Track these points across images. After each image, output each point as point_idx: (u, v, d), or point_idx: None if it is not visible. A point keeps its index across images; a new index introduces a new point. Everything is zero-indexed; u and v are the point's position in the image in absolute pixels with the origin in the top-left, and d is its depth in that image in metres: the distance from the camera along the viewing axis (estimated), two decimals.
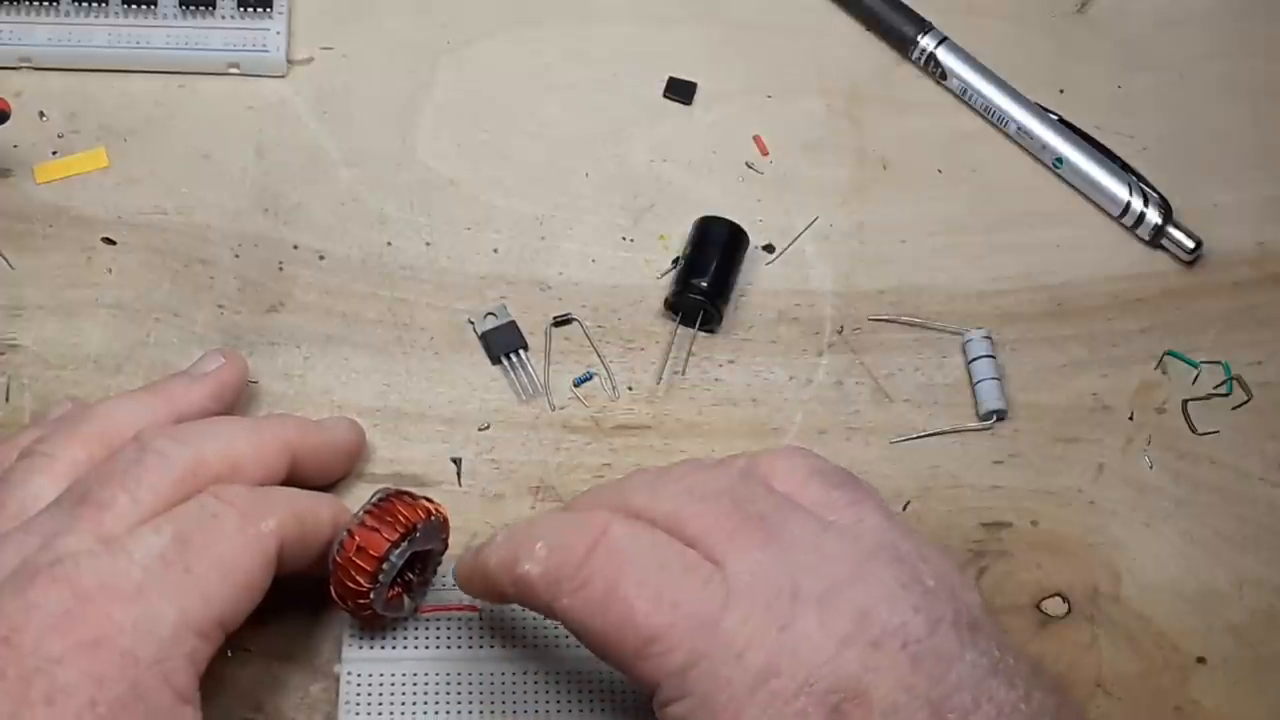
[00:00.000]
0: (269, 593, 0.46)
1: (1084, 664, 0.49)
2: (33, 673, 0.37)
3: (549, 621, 0.45)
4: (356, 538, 0.43)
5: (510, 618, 0.46)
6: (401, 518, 0.43)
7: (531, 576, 0.40)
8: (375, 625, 0.46)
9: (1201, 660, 0.49)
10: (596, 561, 0.39)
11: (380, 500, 0.44)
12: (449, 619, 0.46)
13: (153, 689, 0.38)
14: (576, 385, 0.52)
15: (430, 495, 0.45)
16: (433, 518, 0.44)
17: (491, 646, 0.46)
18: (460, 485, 0.50)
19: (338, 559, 0.43)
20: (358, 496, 0.48)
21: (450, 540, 0.46)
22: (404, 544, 0.43)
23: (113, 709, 0.37)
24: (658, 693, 0.39)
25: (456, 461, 0.51)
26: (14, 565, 0.39)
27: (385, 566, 0.43)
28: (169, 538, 0.40)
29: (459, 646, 0.46)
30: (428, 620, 0.46)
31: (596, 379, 0.52)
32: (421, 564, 0.45)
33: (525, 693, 0.45)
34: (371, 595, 0.43)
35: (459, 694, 0.45)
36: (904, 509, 0.51)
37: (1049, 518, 0.51)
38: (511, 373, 0.52)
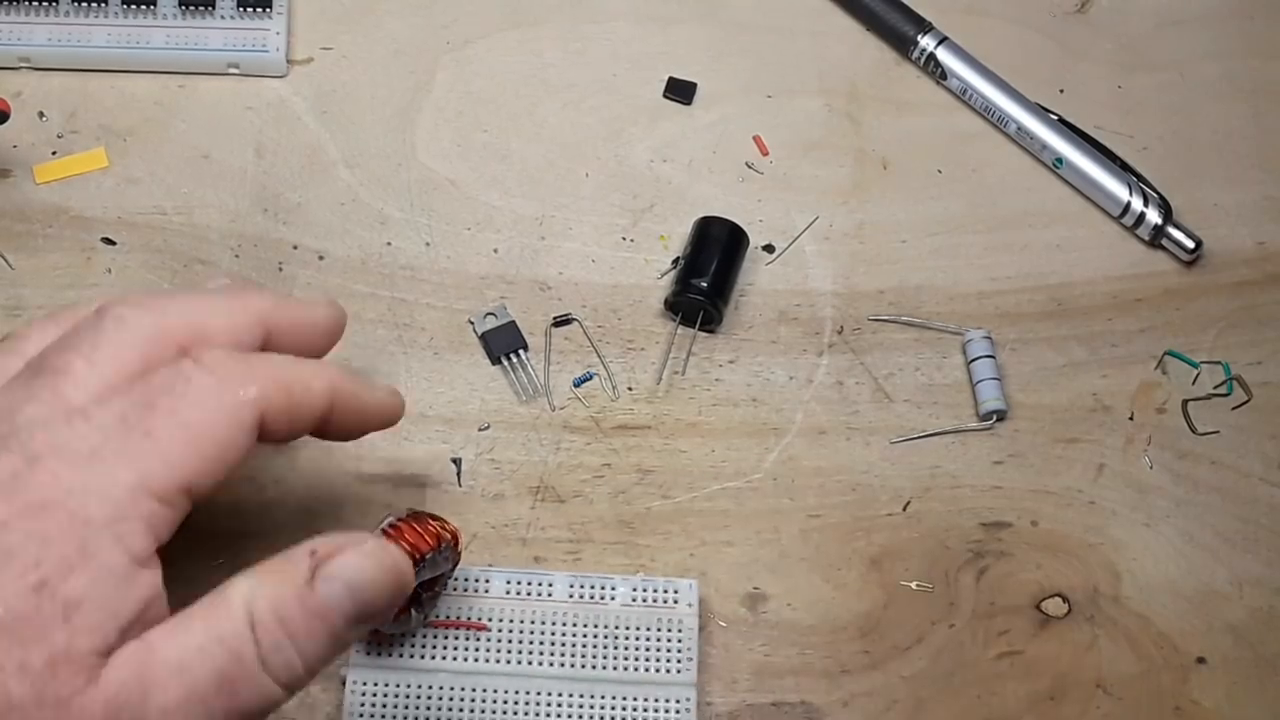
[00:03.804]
0: None
1: (1084, 664, 0.49)
2: None
3: (557, 641, 0.46)
4: None
5: (519, 636, 0.46)
6: (409, 546, 0.42)
7: None
8: (382, 637, 0.46)
9: (1201, 660, 0.49)
10: None
11: (390, 526, 0.43)
12: (457, 634, 0.46)
13: (104, 549, 0.36)
14: (576, 385, 0.52)
15: (431, 495, 0.44)
16: (443, 545, 0.43)
17: (499, 663, 0.46)
18: (460, 485, 0.50)
19: None
20: (359, 498, 0.48)
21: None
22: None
23: (59, 568, 0.35)
24: None
25: (456, 461, 0.51)
26: None
27: None
28: (131, 402, 0.38)
29: (466, 660, 0.46)
30: (436, 634, 0.46)
31: (596, 379, 0.52)
32: (431, 581, 0.45)
33: (530, 713, 0.45)
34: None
35: (463, 710, 0.45)
36: (904, 509, 0.51)
37: (1049, 518, 0.51)
38: (511, 373, 0.52)
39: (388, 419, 0.44)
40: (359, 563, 0.38)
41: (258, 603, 0.37)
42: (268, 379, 0.40)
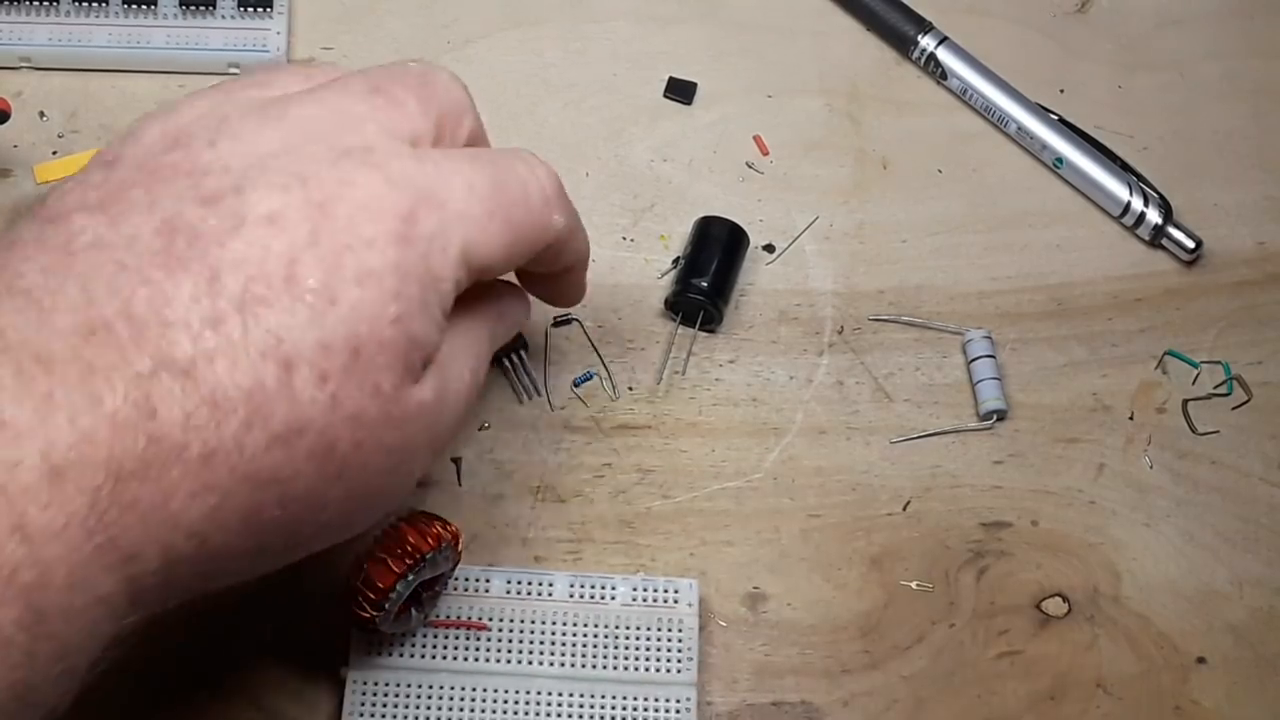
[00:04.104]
0: (270, 591, 0.46)
1: (1084, 664, 0.49)
2: (344, 248, 0.36)
3: (557, 641, 0.46)
4: (365, 567, 0.43)
5: (519, 636, 0.46)
6: (409, 547, 0.43)
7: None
8: (382, 637, 0.46)
9: (1201, 660, 0.49)
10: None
11: (391, 526, 0.43)
12: (458, 633, 0.46)
13: (435, 301, 0.37)
14: (576, 385, 0.52)
15: (431, 495, 0.45)
16: (443, 545, 0.44)
17: (499, 663, 0.46)
18: (460, 485, 0.50)
19: (346, 581, 0.43)
20: None
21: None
22: (411, 576, 0.43)
23: (409, 308, 0.36)
24: None
25: (456, 461, 0.51)
26: (310, 131, 0.37)
27: (392, 596, 0.43)
28: (486, 173, 0.39)
29: (466, 660, 0.46)
30: (437, 633, 0.46)
31: (596, 379, 0.52)
32: (431, 580, 0.45)
33: (530, 712, 0.46)
34: (377, 621, 0.43)
35: (463, 709, 0.45)
36: (904, 509, 0.51)
37: (1049, 518, 0.51)
38: (511, 373, 0.52)
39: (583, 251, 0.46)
40: (522, 308, 0.46)
41: (481, 360, 0.42)
42: (573, 218, 0.43)
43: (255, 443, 0.34)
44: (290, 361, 0.34)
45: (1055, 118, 0.57)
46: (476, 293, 0.41)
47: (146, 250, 0.34)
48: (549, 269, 0.45)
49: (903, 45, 0.59)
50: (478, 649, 0.46)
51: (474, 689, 0.46)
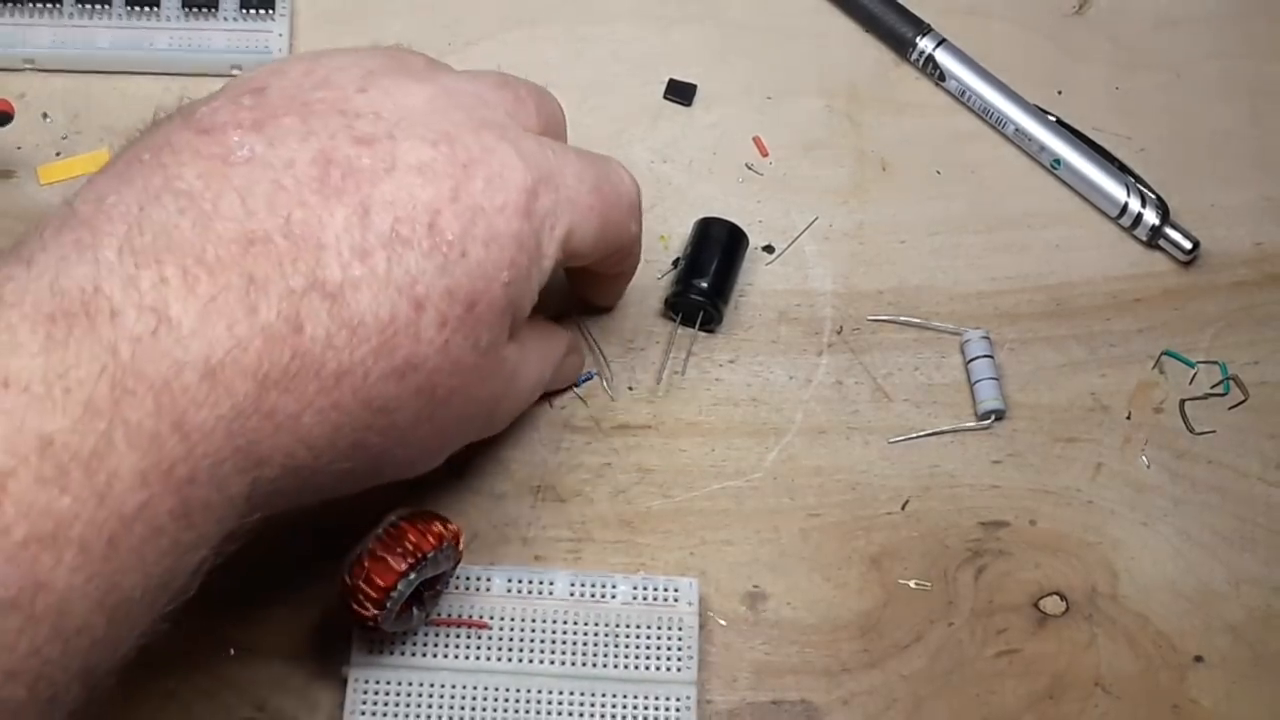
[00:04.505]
0: (269, 591, 0.46)
1: (1082, 663, 0.49)
2: (479, 210, 0.39)
3: (558, 640, 0.46)
4: (366, 565, 0.43)
5: (520, 635, 0.47)
6: (410, 546, 0.43)
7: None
8: (384, 636, 0.46)
9: (1199, 659, 0.49)
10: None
11: (392, 525, 0.44)
12: (458, 632, 0.46)
13: (534, 275, 0.42)
14: (576, 385, 0.52)
15: (431, 495, 0.45)
16: (444, 544, 0.44)
17: (500, 661, 0.46)
18: (461, 485, 0.50)
19: (347, 580, 0.43)
20: (362, 500, 0.48)
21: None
22: (412, 575, 0.43)
23: (517, 275, 0.40)
24: None
25: (456, 461, 0.51)
26: (454, 100, 0.41)
27: (394, 595, 0.43)
28: (593, 169, 0.44)
29: (467, 659, 0.46)
30: (437, 632, 0.46)
31: (596, 379, 0.53)
32: (432, 579, 0.45)
33: (530, 711, 0.46)
34: (378, 620, 0.43)
35: (464, 708, 0.46)
36: (903, 508, 0.51)
37: (1047, 517, 0.51)
38: None
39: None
40: (576, 365, 0.51)
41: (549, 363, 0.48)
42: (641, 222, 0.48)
43: (380, 371, 0.37)
44: (421, 302, 0.37)
45: (1053, 119, 0.58)
46: (581, 283, 0.50)
47: (305, 175, 0.37)
48: (607, 270, 0.48)
49: (901, 47, 0.59)
50: (479, 648, 0.46)
51: (475, 687, 0.46)
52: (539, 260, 0.41)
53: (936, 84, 0.59)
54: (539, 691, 0.46)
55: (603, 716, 0.46)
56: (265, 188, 0.36)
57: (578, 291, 0.52)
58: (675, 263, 0.54)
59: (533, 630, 0.47)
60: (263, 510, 0.37)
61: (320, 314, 0.35)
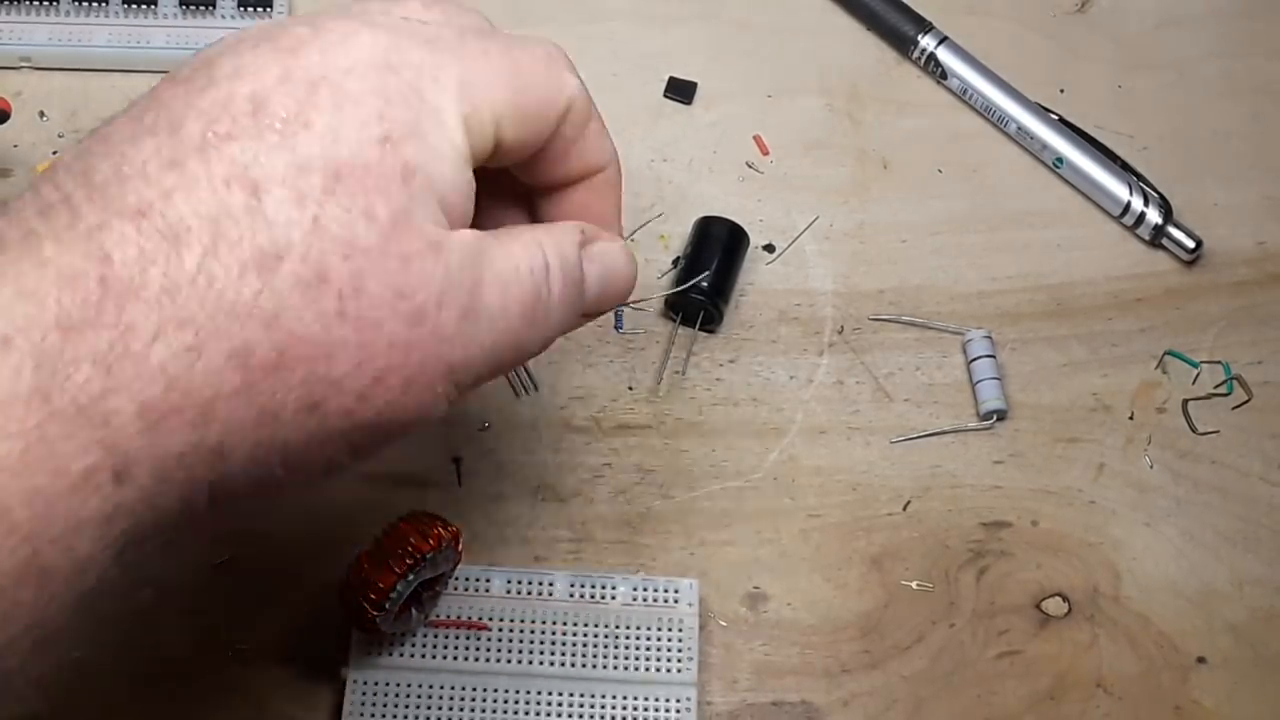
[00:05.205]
0: (268, 593, 0.46)
1: (1084, 663, 0.49)
2: (319, 80, 0.35)
3: (557, 641, 0.46)
4: (365, 566, 0.43)
5: (520, 636, 0.46)
6: (410, 547, 0.43)
7: None
8: (383, 637, 0.46)
9: (1202, 660, 0.49)
10: None
11: (391, 526, 0.43)
12: (458, 633, 0.46)
13: (436, 129, 0.36)
14: (577, 385, 0.52)
15: (431, 495, 0.45)
16: (444, 545, 0.44)
17: (499, 662, 0.46)
18: (460, 485, 0.50)
19: (347, 581, 0.43)
20: (360, 498, 0.48)
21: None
22: (411, 576, 0.43)
23: (400, 128, 0.35)
24: None
25: (456, 461, 0.51)
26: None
27: (393, 595, 0.43)
28: (483, 26, 0.39)
29: (467, 660, 0.46)
30: (437, 633, 0.46)
31: (597, 379, 0.52)
32: (431, 580, 0.45)
33: (530, 712, 0.46)
34: (378, 620, 0.43)
35: (464, 709, 0.45)
36: (904, 509, 0.51)
37: (1049, 517, 0.51)
38: (511, 372, 0.52)
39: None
40: (617, 251, 0.40)
41: (550, 254, 0.38)
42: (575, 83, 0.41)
43: (225, 270, 0.32)
44: (258, 185, 0.33)
45: (1055, 117, 0.57)
46: (570, 214, 0.41)
47: (119, 135, 0.34)
48: (573, 168, 0.42)
49: (903, 45, 0.59)
50: (478, 649, 0.46)
51: (474, 689, 0.46)
52: (431, 115, 0.36)
53: (938, 82, 0.59)
54: (539, 693, 0.46)
55: (603, 718, 0.46)
56: (79, 163, 0.34)
57: (566, 213, 0.42)
58: (675, 262, 0.54)
59: (532, 631, 0.46)
60: (170, 490, 0.32)
61: (127, 235, 0.32)
